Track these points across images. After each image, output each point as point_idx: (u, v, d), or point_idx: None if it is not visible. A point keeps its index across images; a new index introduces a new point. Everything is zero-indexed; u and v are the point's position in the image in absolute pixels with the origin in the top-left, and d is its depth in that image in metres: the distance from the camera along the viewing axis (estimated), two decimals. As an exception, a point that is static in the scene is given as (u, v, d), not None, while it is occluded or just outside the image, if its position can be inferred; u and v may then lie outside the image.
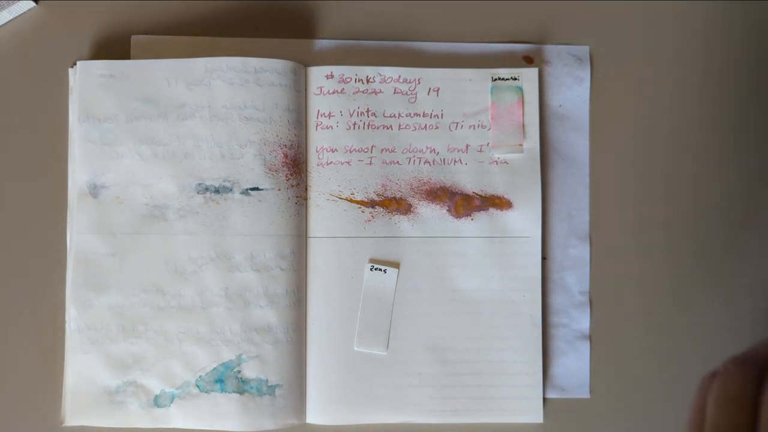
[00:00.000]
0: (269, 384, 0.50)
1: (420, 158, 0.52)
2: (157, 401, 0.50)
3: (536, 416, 0.51)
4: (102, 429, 0.50)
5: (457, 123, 0.52)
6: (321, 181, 0.52)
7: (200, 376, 0.50)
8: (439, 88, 0.52)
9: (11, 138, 0.52)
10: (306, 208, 0.51)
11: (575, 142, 0.53)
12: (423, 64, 0.53)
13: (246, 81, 0.50)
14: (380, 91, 0.52)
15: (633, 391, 0.52)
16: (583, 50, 0.53)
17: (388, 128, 0.52)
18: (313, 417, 0.50)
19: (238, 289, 0.50)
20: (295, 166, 0.51)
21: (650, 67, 0.53)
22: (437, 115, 0.52)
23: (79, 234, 0.50)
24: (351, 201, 0.51)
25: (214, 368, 0.50)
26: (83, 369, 0.49)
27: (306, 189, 0.52)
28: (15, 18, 0.52)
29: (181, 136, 0.51)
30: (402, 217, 0.52)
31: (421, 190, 0.52)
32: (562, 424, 0.52)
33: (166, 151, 0.51)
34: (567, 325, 0.52)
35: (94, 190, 0.50)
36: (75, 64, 0.51)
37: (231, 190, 0.50)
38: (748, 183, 0.53)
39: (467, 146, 0.52)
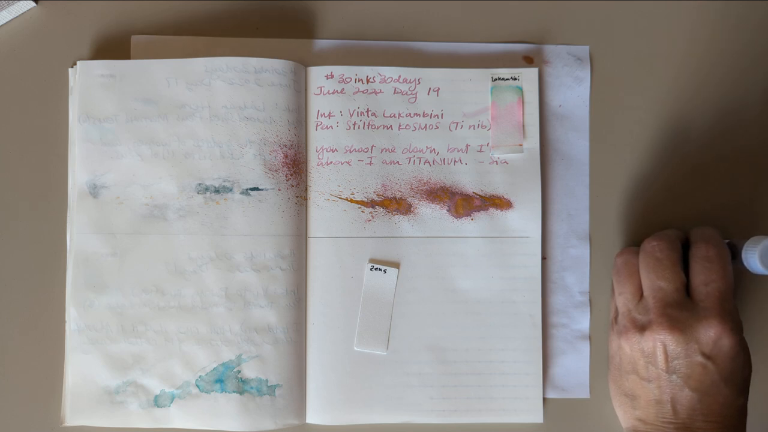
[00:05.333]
0: (269, 384, 0.50)
1: (420, 158, 0.52)
2: (157, 401, 0.50)
3: (536, 416, 0.51)
4: (102, 429, 0.50)
5: (457, 123, 0.52)
6: (321, 181, 0.52)
7: (200, 376, 0.50)
8: (439, 88, 0.52)
9: (11, 138, 0.52)
10: (306, 208, 0.51)
11: (575, 142, 0.53)
12: (423, 64, 0.53)
13: (246, 81, 0.50)
14: (380, 91, 0.52)
15: (633, 391, 0.52)
16: (583, 50, 0.53)
17: (388, 128, 0.52)
18: (313, 417, 0.50)
19: (238, 289, 0.50)
20: (295, 166, 0.51)
21: (650, 67, 0.53)
22: (437, 115, 0.52)
23: (79, 234, 0.50)
24: (351, 201, 0.51)
25: (214, 368, 0.50)
26: (83, 369, 0.49)
27: (306, 189, 0.52)
28: (15, 18, 0.52)
29: (181, 136, 0.51)
30: (402, 217, 0.52)
31: (421, 190, 0.52)
32: (562, 424, 0.52)
33: (166, 151, 0.51)
34: (567, 325, 0.52)
35: (94, 190, 0.50)
36: (75, 64, 0.51)
37: (231, 190, 0.50)
38: (749, 182, 0.53)
39: (467, 146, 0.52)
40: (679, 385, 0.44)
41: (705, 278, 0.45)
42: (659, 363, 0.45)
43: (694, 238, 0.47)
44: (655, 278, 0.46)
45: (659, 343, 0.45)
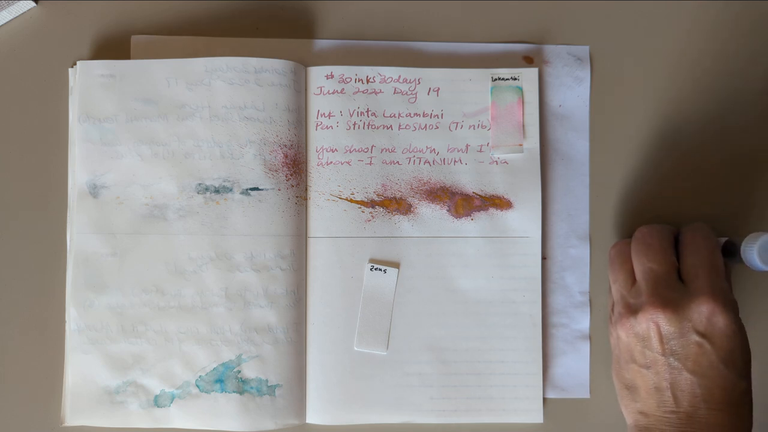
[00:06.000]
0: (269, 384, 0.50)
1: (420, 158, 0.52)
2: (157, 401, 0.50)
3: (536, 416, 0.51)
4: (102, 429, 0.50)
5: (457, 123, 0.52)
6: (321, 181, 0.52)
7: (200, 376, 0.50)
8: (439, 88, 0.52)
9: (11, 138, 0.52)
10: (306, 208, 0.51)
11: (575, 142, 0.53)
12: (423, 64, 0.53)
13: (246, 81, 0.50)
14: (380, 91, 0.52)
15: (633, 391, 0.52)
16: (583, 50, 0.53)
17: (388, 128, 0.52)
18: (313, 417, 0.50)
19: (238, 289, 0.50)
20: (295, 166, 0.51)
21: (650, 67, 0.53)
22: (437, 115, 0.52)
23: (79, 234, 0.50)
24: (351, 201, 0.51)
25: (214, 368, 0.50)
26: (83, 369, 0.49)
27: (306, 189, 0.52)
28: (15, 18, 0.52)
29: (181, 136, 0.51)
30: (402, 217, 0.52)
31: (421, 190, 0.52)
32: (562, 424, 0.52)
33: (166, 151, 0.51)
34: (567, 325, 0.52)
35: (94, 190, 0.50)
36: (75, 64, 0.51)
37: (231, 190, 0.50)
38: (749, 182, 0.53)
39: (467, 146, 0.52)
40: (677, 369, 0.44)
41: (693, 260, 0.45)
42: (654, 346, 0.44)
43: (683, 230, 0.48)
44: (646, 261, 0.46)
45: (652, 323, 0.44)
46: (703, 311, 0.43)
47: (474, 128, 0.52)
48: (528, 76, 0.52)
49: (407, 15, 0.53)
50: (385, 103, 0.52)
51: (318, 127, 0.52)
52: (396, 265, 0.51)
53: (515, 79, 0.52)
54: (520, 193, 0.52)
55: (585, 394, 0.52)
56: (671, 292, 0.44)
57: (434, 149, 0.52)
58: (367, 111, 0.52)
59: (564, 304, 0.52)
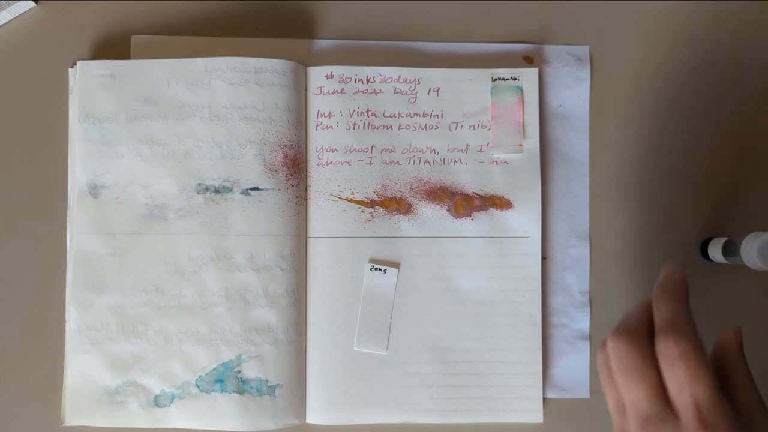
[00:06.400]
0: (269, 384, 0.50)
1: (420, 158, 0.52)
2: (157, 401, 0.50)
3: (536, 416, 0.51)
4: (102, 429, 0.50)
5: (457, 123, 0.52)
6: (321, 181, 0.52)
7: (200, 376, 0.50)
8: (439, 88, 0.52)
9: (11, 138, 0.52)
10: (306, 208, 0.51)
11: (575, 142, 0.53)
12: (423, 64, 0.53)
13: (246, 81, 0.50)
14: (380, 91, 0.52)
15: (633, 391, 0.52)
16: (583, 50, 0.53)
17: (388, 128, 0.52)
18: (313, 417, 0.50)
19: (238, 289, 0.50)
20: (295, 166, 0.51)
21: (650, 67, 0.53)
22: (437, 115, 0.52)
23: (79, 234, 0.50)
24: (351, 201, 0.51)
25: (214, 368, 0.50)
26: (83, 369, 0.49)
27: (306, 189, 0.52)
28: (15, 18, 0.52)
29: (181, 136, 0.51)
30: (402, 217, 0.52)
31: (421, 190, 0.52)
32: (562, 424, 0.52)
33: (166, 151, 0.51)
34: (567, 325, 0.52)
35: (94, 190, 0.50)
36: (75, 64, 0.51)
37: (231, 190, 0.50)
38: (749, 181, 0.53)
39: (467, 146, 0.52)
40: None
41: (676, 385, 0.37)
42: None
43: (655, 319, 0.39)
44: (626, 388, 0.39)
45: None
46: None
47: (474, 128, 0.52)
48: (528, 76, 0.52)
49: (407, 15, 0.53)
50: (385, 103, 0.52)
51: (318, 127, 0.52)
52: (396, 265, 0.51)
53: (515, 79, 0.52)
54: (520, 193, 0.52)
55: (585, 394, 0.52)
56: (659, 426, 0.37)
57: (434, 149, 0.52)
58: (367, 111, 0.52)
59: (564, 304, 0.52)
